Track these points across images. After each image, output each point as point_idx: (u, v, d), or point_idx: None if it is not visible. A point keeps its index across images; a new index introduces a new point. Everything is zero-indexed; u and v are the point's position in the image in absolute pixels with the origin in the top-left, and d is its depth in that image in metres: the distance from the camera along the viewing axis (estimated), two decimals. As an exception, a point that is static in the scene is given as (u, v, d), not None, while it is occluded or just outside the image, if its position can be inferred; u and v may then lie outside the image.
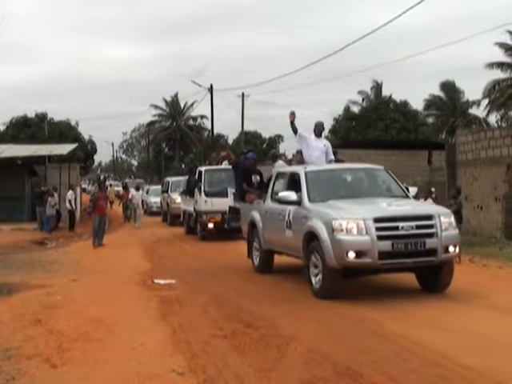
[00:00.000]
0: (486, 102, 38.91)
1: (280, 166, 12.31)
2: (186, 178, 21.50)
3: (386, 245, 8.20)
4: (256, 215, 11.37)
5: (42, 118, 51.86)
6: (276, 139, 66.14)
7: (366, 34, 25.40)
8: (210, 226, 18.08)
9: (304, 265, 9.25)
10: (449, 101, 46.73)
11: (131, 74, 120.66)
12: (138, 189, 27.36)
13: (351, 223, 8.30)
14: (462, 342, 6.36)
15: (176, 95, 65.61)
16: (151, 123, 68.77)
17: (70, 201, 24.06)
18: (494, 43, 34.22)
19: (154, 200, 32.56)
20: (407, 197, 9.79)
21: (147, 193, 35.15)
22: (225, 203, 16.73)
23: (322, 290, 8.71)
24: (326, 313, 8.00)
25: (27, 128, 49.94)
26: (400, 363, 5.68)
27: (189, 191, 19.97)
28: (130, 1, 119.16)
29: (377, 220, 8.29)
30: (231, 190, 16.59)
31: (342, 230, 8.32)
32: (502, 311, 7.85)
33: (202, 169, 19.16)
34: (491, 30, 55.24)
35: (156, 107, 66.65)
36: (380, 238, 8.20)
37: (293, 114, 11.28)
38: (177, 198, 24.48)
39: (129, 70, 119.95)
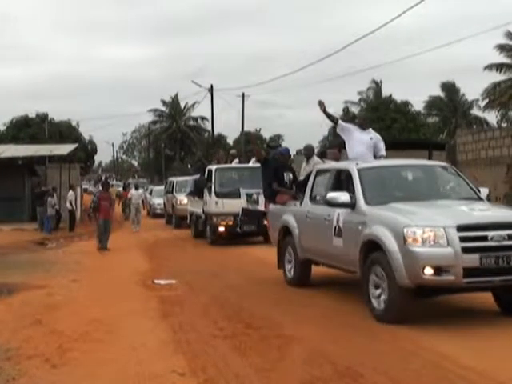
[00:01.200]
0: (486, 102, 38.92)
1: (317, 163, 10.74)
2: (194, 177, 20.44)
3: (473, 259, 6.69)
4: (290, 219, 9.79)
5: (42, 118, 51.93)
6: (276, 139, 66.18)
7: (366, 34, 25.42)
8: (221, 229, 16.79)
9: (361, 281, 7.74)
10: (449, 101, 46.73)
11: (131, 74, 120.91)
12: (137, 188, 25.95)
13: (428, 232, 6.80)
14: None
15: (176, 95, 65.71)
16: (151, 123, 68.80)
17: (70, 201, 24.07)
18: (494, 44, 34.21)
19: (158, 201, 31.13)
20: (480, 199, 8.37)
21: (150, 193, 34.08)
22: (237, 205, 16.25)
23: (388, 313, 7.12)
24: (326, 313, 8.00)
25: (28, 128, 50.00)
26: (400, 364, 5.67)
27: (197, 192, 18.66)
28: (131, 1, 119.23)
29: (461, 228, 6.79)
30: (244, 191, 16.30)
31: (416, 240, 6.80)
32: None
33: (213, 167, 17.76)
34: (491, 30, 55.19)
35: (155, 111, 66.69)
36: (465, 250, 6.70)
37: (321, 103, 10.00)
38: (183, 199, 23.29)
39: (129, 70, 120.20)
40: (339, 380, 5.27)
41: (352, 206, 7.99)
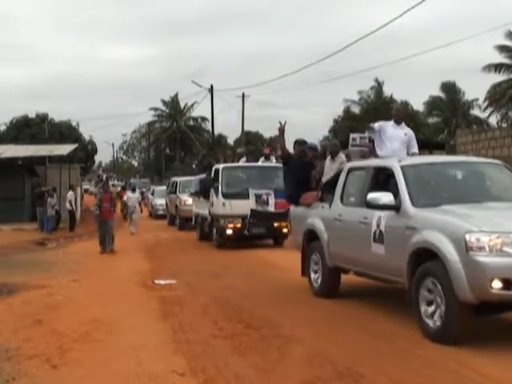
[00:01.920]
0: (486, 102, 38.93)
1: (344, 161, 9.67)
2: (199, 177, 19.24)
3: None
4: (317, 223, 8.86)
5: (42, 118, 51.96)
6: (277, 139, 66.10)
7: (366, 34, 25.44)
8: (229, 232, 15.85)
9: (409, 295, 6.80)
10: (449, 101, 46.73)
11: (131, 74, 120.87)
12: (133, 190, 24.72)
13: (495, 239, 5.90)
14: None
15: (176, 95, 65.75)
16: (152, 123, 68.84)
17: (70, 201, 24.07)
18: (494, 45, 34.21)
19: (160, 202, 29.95)
20: None
21: (152, 194, 33.19)
22: (245, 206, 15.55)
23: (446, 333, 6.16)
24: (326, 313, 8.00)
25: (28, 128, 50.04)
26: (401, 364, 5.67)
27: (203, 192, 17.61)
28: (131, 1, 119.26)
29: None
30: (252, 191, 15.62)
31: (481, 249, 5.90)
32: None
33: (220, 166, 16.74)
34: (491, 30, 55.29)
35: (156, 109, 66.76)
36: None
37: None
38: (187, 199, 22.42)
39: (129, 70, 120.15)
40: (339, 380, 5.27)
41: (396, 208, 7.05)
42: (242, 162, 18.21)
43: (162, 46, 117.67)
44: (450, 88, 46.78)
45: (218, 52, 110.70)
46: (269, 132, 64.90)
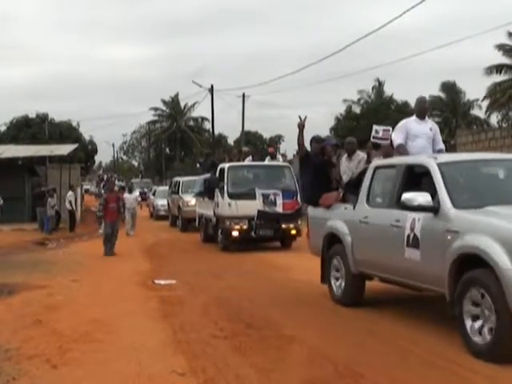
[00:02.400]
0: (487, 102, 38.94)
1: (363, 160, 9.18)
2: (203, 177, 18.40)
3: None
4: (339, 225, 8.23)
5: (42, 118, 51.98)
6: (277, 140, 66.20)
7: (366, 34, 25.51)
8: (235, 233, 15.28)
9: (453, 309, 6.13)
10: (449, 101, 46.73)
11: (132, 74, 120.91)
12: (130, 191, 23.98)
13: None
14: None
15: (176, 95, 65.81)
16: (152, 123, 68.89)
17: (70, 201, 24.08)
18: (495, 45, 34.20)
19: (162, 202, 29.34)
20: None
21: (154, 194, 32.52)
22: (252, 207, 14.98)
23: (497, 350, 5.52)
24: (326, 313, 8.01)
25: (28, 128, 50.05)
26: (401, 364, 5.67)
27: (208, 192, 16.80)
28: (131, 1, 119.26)
29: None
30: (259, 191, 15.06)
31: None
32: None
33: (225, 166, 16.10)
34: (492, 30, 55.23)
35: (156, 109, 66.81)
36: None
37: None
38: (190, 200, 21.91)
39: (129, 70, 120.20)
40: (340, 380, 5.26)
41: (435, 209, 6.44)
42: (248, 161, 17.54)
43: (163, 46, 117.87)
44: (450, 88, 46.80)
45: (218, 52, 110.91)
46: (269, 132, 64.94)
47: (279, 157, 17.57)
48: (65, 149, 29.03)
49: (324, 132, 48.50)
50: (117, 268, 13.30)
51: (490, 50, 35.49)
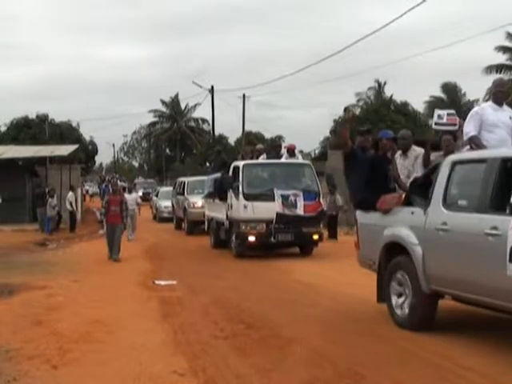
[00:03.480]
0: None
1: (420, 155, 8.03)
2: (213, 176, 16.88)
3: None
4: (405, 233, 6.90)
5: (42, 118, 51.98)
6: (277, 140, 66.14)
7: (367, 35, 25.34)
8: (251, 238, 13.87)
9: None
10: (450, 102, 46.74)
11: (132, 74, 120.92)
12: (130, 191, 22.57)
13: None
14: None
15: (177, 96, 65.84)
16: (152, 124, 68.94)
17: (70, 202, 24.09)
18: (495, 46, 34.23)
19: (165, 204, 27.96)
20: None
21: (156, 195, 31.13)
22: (270, 209, 13.62)
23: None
24: (327, 313, 8.00)
25: (28, 129, 50.04)
26: (402, 364, 5.67)
27: (219, 193, 15.44)
28: (131, 1, 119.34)
29: None
30: (278, 192, 13.79)
31: None
32: None
33: (240, 164, 14.72)
34: (492, 30, 55.25)
35: (155, 111, 66.83)
36: None
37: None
38: (196, 201, 20.83)
39: (129, 70, 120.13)
40: (340, 381, 5.26)
41: None
42: (262, 159, 15.88)
43: (163, 46, 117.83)
44: (450, 88, 46.82)
45: (218, 52, 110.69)
46: (269, 133, 64.96)
47: (298, 154, 15.78)
48: (65, 149, 29.03)
49: (325, 132, 48.55)
50: (117, 268, 13.30)
51: (491, 51, 35.47)
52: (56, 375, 5.64)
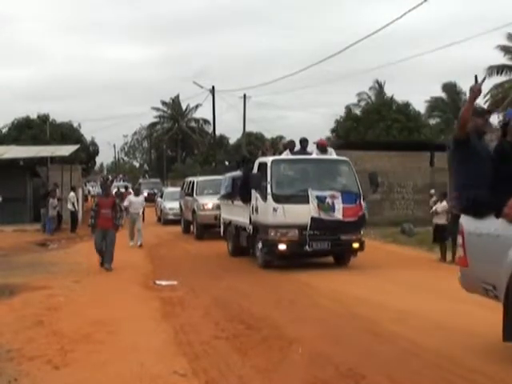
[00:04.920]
0: (488, 103, 38.96)
1: None
2: (231, 175, 15.38)
3: None
4: None
5: (43, 119, 52.04)
6: (278, 140, 66.11)
7: (367, 35, 25.35)
8: (282, 247, 11.98)
9: None
10: (451, 102, 46.74)
11: (132, 75, 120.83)
12: (137, 193, 19.73)
13: None
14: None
15: (177, 96, 65.92)
16: (153, 124, 69.00)
17: (72, 202, 24.11)
18: (496, 46, 34.21)
19: (170, 205, 26.20)
20: None
21: (161, 196, 29.34)
22: (304, 213, 11.87)
23: None
24: (327, 314, 8.01)
25: (29, 129, 50.09)
26: (402, 365, 5.67)
27: (243, 193, 13.53)
28: (131, 1, 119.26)
29: None
30: (313, 193, 12.01)
31: None
32: None
33: (267, 160, 12.80)
34: (493, 31, 55.25)
35: (158, 109, 66.96)
36: None
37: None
38: (207, 202, 19.44)
39: (130, 71, 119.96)
40: (341, 381, 5.27)
41: None
42: (286, 154, 13.80)
43: (164, 46, 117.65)
44: (450, 89, 46.82)
45: (219, 53, 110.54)
46: (270, 133, 64.96)
47: (331, 150, 13.86)
48: (66, 150, 29.03)
49: (325, 132, 48.59)
50: (118, 268, 13.29)
51: (491, 52, 35.49)
52: (57, 375, 5.64)
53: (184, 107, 66.58)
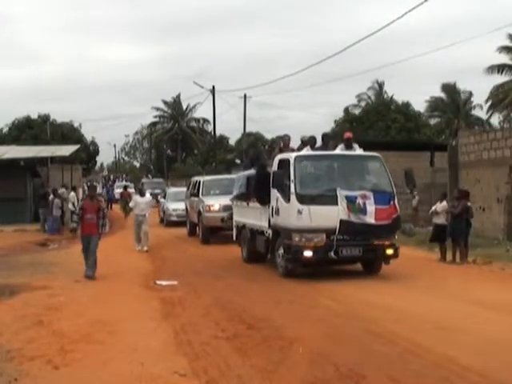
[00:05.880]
0: (489, 103, 38.99)
1: None
2: (245, 173, 14.04)
3: None
4: None
5: (44, 119, 52.13)
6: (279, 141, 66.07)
7: (367, 36, 25.43)
8: (307, 253, 10.68)
9: None
10: (451, 102, 46.76)
11: (133, 75, 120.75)
12: (142, 193, 18.04)
13: None
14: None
15: (178, 96, 65.96)
16: (153, 124, 69.04)
17: (73, 202, 24.11)
18: (496, 46, 34.26)
19: (174, 206, 24.92)
20: None
21: (164, 197, 28.05)
22: (332, 215, 10.62)
23: None
24: (327, 313, 8.01)
25: (30, 129, 50.17)
26: (402, 364, 5.68)
27: (260, 193, 12.17)
28: (132, 1, 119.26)
29: None
30: (342, 193, 10.76)
31: None
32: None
33: (290, 156, 11.56)
34: (493, 31, 55.34)
35: (158, 109, 66.99)
36: None
37: None
38: (213, 203, 18.13)
39: (130, 71, 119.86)
40: (341, 381, 5.27)
41: None
42: (307, 150, 12.41)
43: (164, 46, 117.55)
44: (450, 89, 46.83)
45: (219, 53, 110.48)
46: (270, 133, 64.95)
47: (356, 145, 12.42)
48: (66, 150, 29.08)
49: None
50: (119, 268, 13.30)
51: (491, 52, 35.48)
52: (57, 376, 5.65)
53: (184, 107, 66.67)
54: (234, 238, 14.68)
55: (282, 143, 13.43)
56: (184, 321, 7.77)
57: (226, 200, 16.60)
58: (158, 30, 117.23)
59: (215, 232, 18.15)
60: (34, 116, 52.26)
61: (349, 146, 12.22)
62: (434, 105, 47.53)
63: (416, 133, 40.14)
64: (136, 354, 6.20)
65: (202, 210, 18.71)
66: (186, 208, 21.86)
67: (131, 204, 17.65)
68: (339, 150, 12.20)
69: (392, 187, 11.38)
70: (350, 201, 10.73)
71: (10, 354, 6.28)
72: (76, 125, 54.36)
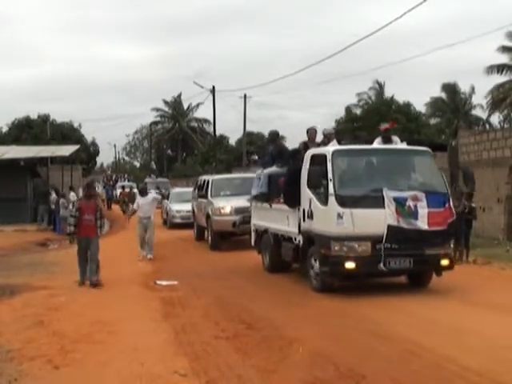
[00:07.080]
0: (489, 103, 38.97)
1: None
2: (267, 171, 12.20)
3: None
4: None
5: (44, 119, 52.13)
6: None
7: (367, 35, 25.34)
8: (350, 265, 9.05)
9: None
10: (451, 102, 46.74)
11: (133, 75, 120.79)
12: (143, 192, 16.06)
13: None
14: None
15: (179, 96, 65.94)
16: (153, 124, 69.03)
17: (73, 202, 24.14)
18: (497, 46, 34.25)
19: (178, 208, 23.34)
20: None
21: (167, 198, 26.06)
22: (377, 220, 9.08)
23: None
24: (327, 313, 8.00)
25: (30, 129, 50.17)
26: (402, 364, 5.68)
27: (289, 194, 10.55)
28: (132, 1, 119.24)
29: None
30: (390, 193, 9.22)
31: None
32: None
33: (327, 150, 9.96)
34: (493, 31, 55.22)
35: (158, 110, 66.98)
36: None
37: None
38: (224, 206, 16.31)
39: (131, 71, 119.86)
40: (341, 381, 5.27)
41: None
42: (333, 145, 10.77)
43: (164, 46, 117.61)
44: (450, 89, 46.81)
45: (219, 53, 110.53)
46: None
47: (396, 138, 10.74)
48: (66, 150, 29.09)
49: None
50: (119, 268, 13.30)
51: (491, 52, 35.49)
52: (57, 376, 5.65)
53: (185, 107, 66.66)
54: (253, 243, 12.97)
55: (308, 137, 11.59)
56: (184, 321, 7.78)
57: (238, 202, 15.48)
58: (158, 29, 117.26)
59: (226, 237, 16.44)
60: (34, 116, 52.31)
61: (387, 140, 10.65)
62: (434, 105, 47.52)
63: (417, 133, 40.13)
64: (136, 354, 6.20)
65: (210, 212, 16.72)
66: (193, 210, 19.83)
67: (135, 206, 15.78)
68: (376, 143, 10.71)
69: (446, 187, 9.88)
70: (399, 203, 9.23)
71: (10, 354, 6.28)
72: (76, 125, 54.36)
